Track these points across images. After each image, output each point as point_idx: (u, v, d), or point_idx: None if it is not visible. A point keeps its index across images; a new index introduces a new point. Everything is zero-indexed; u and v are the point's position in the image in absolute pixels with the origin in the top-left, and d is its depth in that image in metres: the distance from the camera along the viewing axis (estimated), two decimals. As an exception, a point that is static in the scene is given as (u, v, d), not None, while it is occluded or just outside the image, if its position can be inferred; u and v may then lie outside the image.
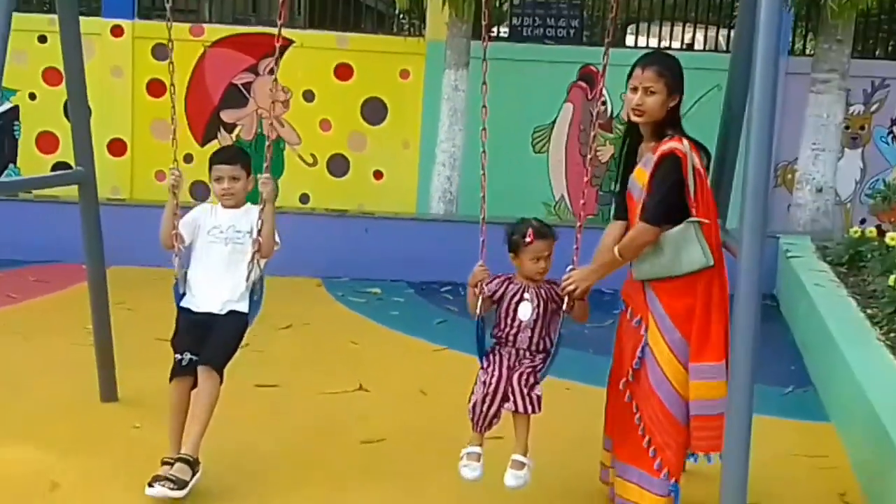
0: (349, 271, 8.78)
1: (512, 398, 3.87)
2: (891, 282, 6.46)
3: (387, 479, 4.73)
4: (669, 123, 3.95)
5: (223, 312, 4.33)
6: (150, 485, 4.07)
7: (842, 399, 5.66)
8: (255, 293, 4.40)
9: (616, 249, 3.92)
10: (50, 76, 9.41)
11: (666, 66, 3.97)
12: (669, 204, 3.83)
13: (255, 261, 4.33)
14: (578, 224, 4.02)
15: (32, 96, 9.58)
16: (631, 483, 4.07)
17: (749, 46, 3.71)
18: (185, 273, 4.42)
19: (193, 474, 4.13)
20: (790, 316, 7.98)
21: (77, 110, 5.21)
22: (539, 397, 3.90)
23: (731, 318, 3.55)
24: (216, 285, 4.36)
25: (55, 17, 5.11)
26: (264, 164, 4.33)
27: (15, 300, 7.55)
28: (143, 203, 8.45)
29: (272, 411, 5.61)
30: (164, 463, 4.19)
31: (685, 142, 3.86)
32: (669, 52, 5.70)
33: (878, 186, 8.81)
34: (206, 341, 4.25)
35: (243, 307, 4.37)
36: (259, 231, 4.28)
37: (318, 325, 7.47)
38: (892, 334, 6.00)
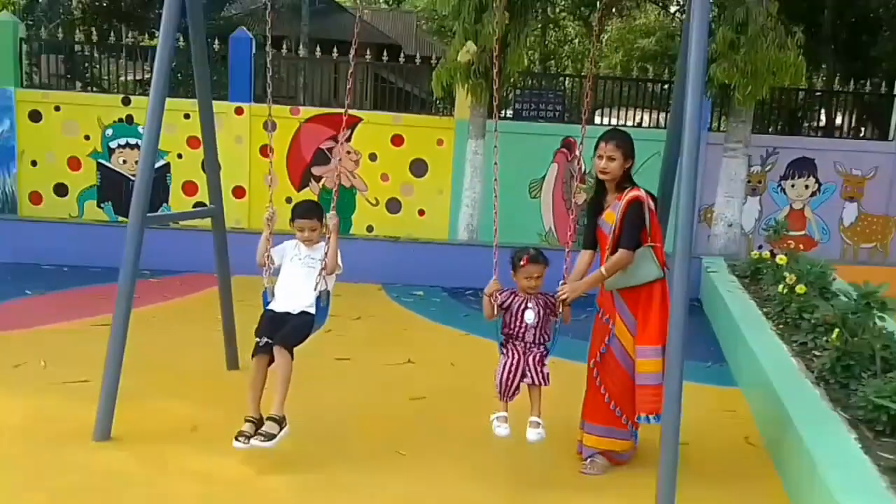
0: (401, 279, 8.80)
1: (529, 374, 3.81)
2: (779, 289, 6.50)
3: (427, 425, 4.78)
4: (626, 179, 4.02)
5: (296, 312, 4.14)
6: (236, 439, 3.92)
7: (745, 370, 5.68)
8: (322, 301, 4.15)
9: (603, 269, 3.92)
10: (192, 142, 9.48)
11: (622, 139, 4.01)
12: (636, 234, 3.88)
13: (323, 276, 4.14)
14: (567, 249, 4.03)
15: (180, 156, 9.67)
16: (596, 436, 4.13)
17: (679, 124, 3.83)
18: (273, 286, 4.25)
19: (281, 429, 3.96)
20: (710, 313, 7.92)
21: (211, 165, 5.36)
22: (548, 374, 3.87)
23: (670, 313, 3.64)
24: (294, 293, 4.16)
25: (195, 100, 5.21)
26: (332, 205, 4.24)
27: (168, 298, 7.65)
28: (257, 231, 8.44)
29: (346, 377, 5.65)
30: (246, 420, 4.04)
31: (641, 190, 3.94)
32: (624, 128, 5.73)
33: (771, 223, 8.89)
34: (282, 329, 4.06)
35: (312, 310, 4.13)
36: (326, 253, 4.13)
37: (379, 317, 7.48)
38: (780, 326, 6.06)
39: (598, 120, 10.53)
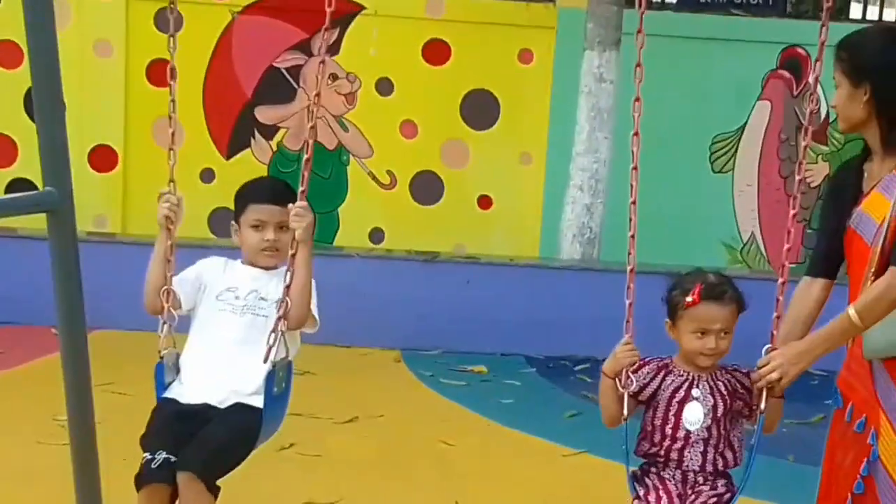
0: (441, 341, 5.45)
1: None
2: None
3: None
4: None
5: (224, 405, 2.60)
6: None
7: None
8: (279, 383, 2.58)
9: (854, 312, 2.40)
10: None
11: (852, 47, 2.44)
12: None
13: (281, 333, 2.54)
14: (781, 280, 2.52)
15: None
16: None
17: None
18: (176, 353, 2.75)
19: None
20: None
21: (44, 103, 1.86)
22: None
23: None
24: (221, 370, 2.64)
25: None
26: (299, 189, 2.55)
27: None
28: (143, 239, 5.39)
29: None
30: None
31: None
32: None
33: None
34: (194, 439, 2.53)
35: (257, 402, 2.58)
36: (288, 286, 2.55)
37: (396, 416, 4.74)
38: None
39: (853, 12, 6.96)
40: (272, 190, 2.89)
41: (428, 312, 5.48)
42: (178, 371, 2.77)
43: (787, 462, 4.14)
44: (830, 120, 5.76)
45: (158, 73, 5.74)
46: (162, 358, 2.75)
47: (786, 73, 6.12)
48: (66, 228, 2.11)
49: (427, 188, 6.13)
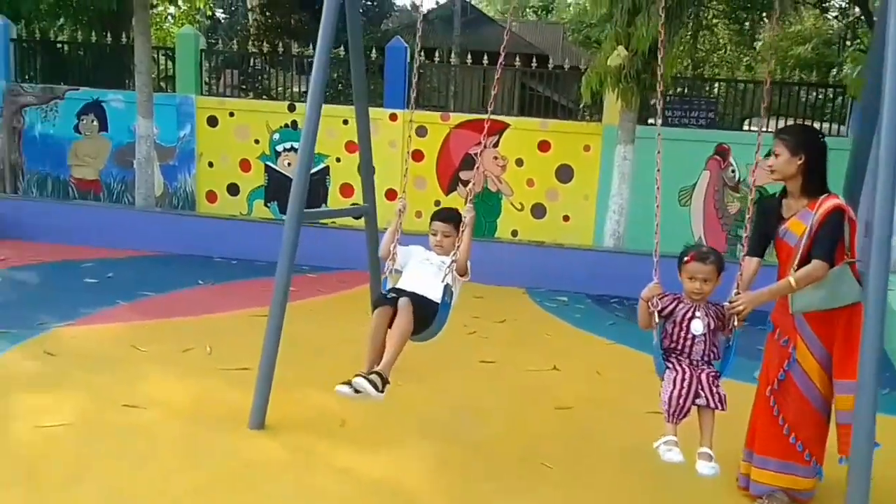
0: (545, 284, 8.24)
1: (703, 394, 3.15)
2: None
3: (574, 438, 4.43)
4: (816, 182, 3.43)
5: (421, 294, 3.68)
6: (341, 384, 3.45)
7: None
8: (447, 295, 3.64)
9: (793, 279, 3.31)
10: (350, 146, 9.57)
11: (789, 132, 3.52)
12: (834, 247, 3.33)
13: (451, 270, 3.65)
14: (741, 261, 3.48)
15: (338, 160, 9.79)
16: (771, 471, 3.57)
17: (869, 132, 3.24)
18: (395, 284, 3.83)
19: (381, 387, 3.42)
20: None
21: (366, 166, 5.31)
22: (724, 396, 3.19)
23: (863, 336, 3.06)
24: (420, 288, 3.70)
25: (353, 107, 5.16)
26: (470, 199, 3.83)
27: (323, 293, 7.65)
28: (407, 233, 8.51)
29: (490, 381, 5.38)
30: (356, 375, 3.50)
31: (841, 199, 3.41)
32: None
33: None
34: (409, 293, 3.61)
35: (437, 300, 3.66)
36: (457, 248, 3.67)
37: (523, 321, 7.12)
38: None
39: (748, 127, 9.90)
40: (442, 212, 3.97)
41: (539, 271, 8.23)
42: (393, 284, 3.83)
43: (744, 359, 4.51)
44: (740, 179, 8.73)
45: (416, 155, 9.42)
46: (385, 276, 3.93)
47: (717, 157, 9.03)
48: (373, 225, 5.13)
49: (538, 211, 9.42)
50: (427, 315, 3.60)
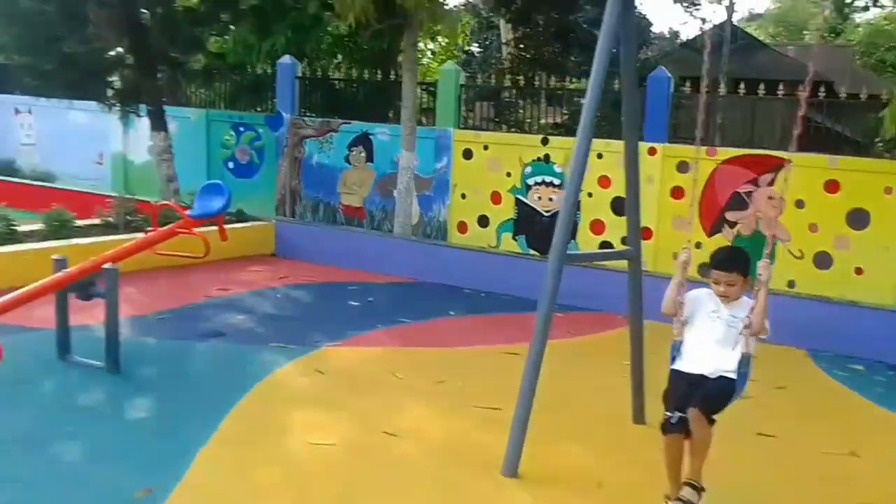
0: (833, 348, 7.13)
1: None
2: None
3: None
4: None
5: (713, 376, 3.50)
6: None
7: None
8: (743, 365, 3.49)
9: None
10: (602, 181, 9.19)
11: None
12: None
13: (745, 336, 3.48)
14: None
15: (590, 195, 9.31)
16: None
17: None
18: (681, 340, 3.64)
19: (699, 496, 3.45)
20: None
21: (632, 207, 4.93)
22: None
23: None
24: (711, 355, 3.53)
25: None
26: (765, 252, 3.56)
27: (574, 335, 7.22)
28: (662, 275, 7.67)
29: (773, 459, 4.67)
30: (665, 497, 3.61)
31: None
32: None
33: None
34: (696, 394, 3.44)
35: (732, 375, 3.50)
36: (752, 309, 3.46)
37: (808, 389, 6.21)
38: None
39: None
40: (725, 258, 3.63)
41: (825, 331, 7.05)
42: (680, 351, 3.59)
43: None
44: None
45: (675, 193, 8.79)
46: (675, 340, 3.62)
47: None
48: (637, 269, 4.72)
49: (822, 261, 8.26)
50: (723, 402, 3.49)
